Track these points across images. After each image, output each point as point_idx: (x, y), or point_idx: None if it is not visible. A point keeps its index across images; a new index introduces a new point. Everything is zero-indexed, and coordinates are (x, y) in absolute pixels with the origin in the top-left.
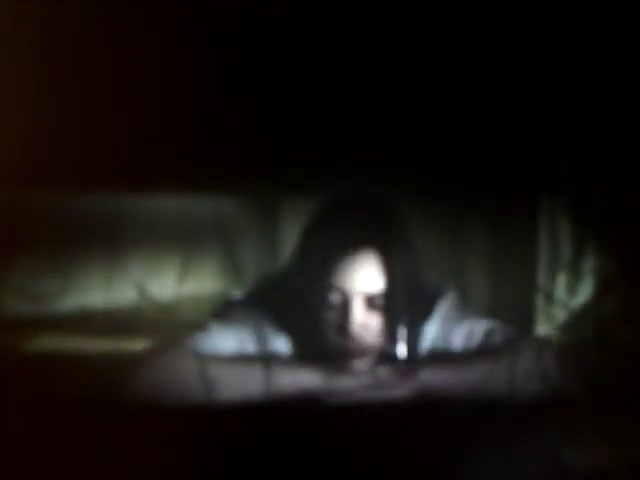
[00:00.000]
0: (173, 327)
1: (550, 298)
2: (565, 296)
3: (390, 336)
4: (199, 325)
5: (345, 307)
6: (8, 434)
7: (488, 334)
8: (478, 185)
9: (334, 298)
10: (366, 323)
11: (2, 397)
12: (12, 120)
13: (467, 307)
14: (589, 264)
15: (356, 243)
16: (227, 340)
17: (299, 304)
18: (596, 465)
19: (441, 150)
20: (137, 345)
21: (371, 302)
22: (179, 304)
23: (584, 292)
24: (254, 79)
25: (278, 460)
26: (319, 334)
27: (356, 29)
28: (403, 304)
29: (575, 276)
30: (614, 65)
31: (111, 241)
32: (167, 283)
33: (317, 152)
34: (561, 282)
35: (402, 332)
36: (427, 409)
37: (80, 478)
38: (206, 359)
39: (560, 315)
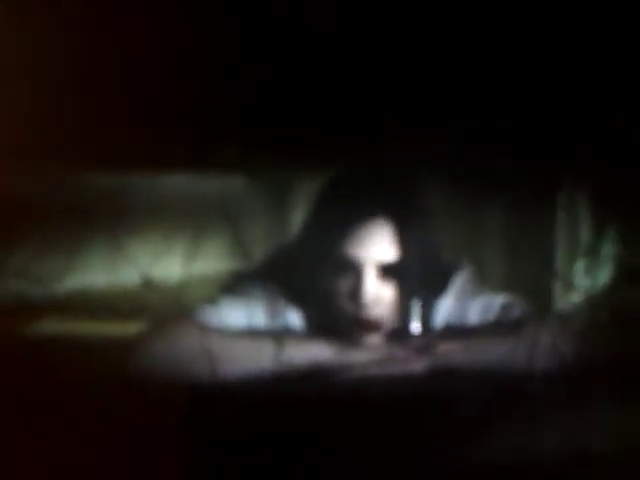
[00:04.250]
0: (180, 309)
1: (569, 283)
2: (584, 281)
3: (404, 309)
4: (208, 299)
5: (357, 277)
6: (12, 417)
7: (505, 309)
8: (497, 165)
9: (346, 268)
10: (379, 294)
11: (5, 379)
12: (13, 99)
13: (483, 282)
14: (608, 251)
15: (368, 211)
16: (237, 314)
17: (311, 275)
18: (610, 444)
19: (461, 128)
20: (141, 327)
21: (384, 272)
22: (187, 285)
23: (603, 277)
24: (262, 57)
25: (289, 435)
26: (331, 306)
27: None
28: (417, 276)
29: (594, 263)
30: (635, 49)
31: (116, 221)
32: (174, 264)
33: (327, 128)
34: (580, 267)
35: (416, 305)
36: (442, 384)
37: (85, 458)
38: (215, 333)
39: (579, 299)
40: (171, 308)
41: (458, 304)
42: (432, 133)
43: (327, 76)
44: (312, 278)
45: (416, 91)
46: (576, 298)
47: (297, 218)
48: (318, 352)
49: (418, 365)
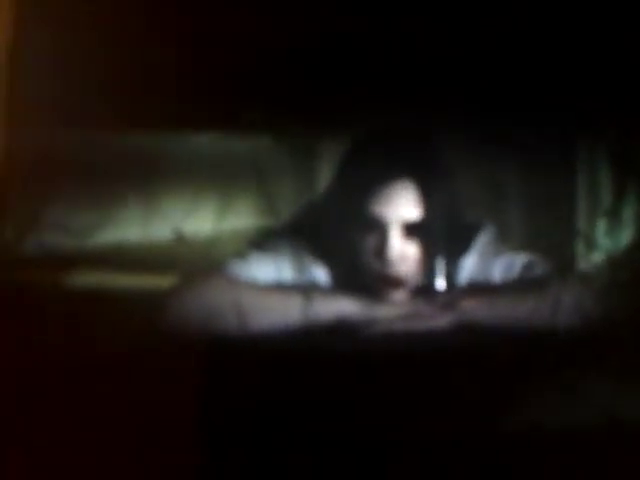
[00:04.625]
0: (210, 264)
1: (590, 242)
2: (605, 241)
3: (428, 267)
4: (237, 254)
5: (383, 235)
6: (48, 367)
7: (527, 267)
8: (520, 125)
9: (372, 226)
10: (404, 252)
11: (39, 330)
12: (50, 59)
13: (506, 242)
14: (630, 210)
15: (394, 171)
16: (265, 269)
17: (337, 233)
18: (632, 402)
19: (483, 89)
20: (173, 280)
21: (409, 230)
22: (216, 241)
23: (624, 237)
24: (289, 22)
25: (315, 389)
26: (357, 263)
27: None
28: (441, 234)
29: (616, 222)
30: None
31: (149, 177)
32: (205, 220)
33: (354, 89)
34: (601, 226)
35: (440, 263)
36: (465, 340)
37: (113, 408)
38: (244, 287)
39: (600, 259)
40: (202, 262)
41: (481, 263)
42: (455, 94)
43: (351, 39)
44: (339, 235)
45: (439, 53)
46: (598, 257)
47: (324, 177)
48: (344, 307)
49: (442, 321)
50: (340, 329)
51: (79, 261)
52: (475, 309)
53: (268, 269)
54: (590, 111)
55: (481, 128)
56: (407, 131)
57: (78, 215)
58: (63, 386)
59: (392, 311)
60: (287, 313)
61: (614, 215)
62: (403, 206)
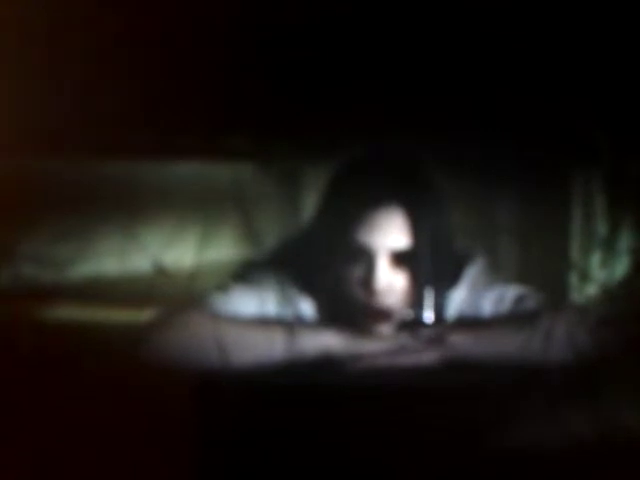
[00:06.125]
0: (191, 297)
1: (584, 274)
2: (600, 273)
3: (416, 298)
4: (219, 287)
5: (369, 264)
6: (25, 402)
7: (518, 300)
8: (513, 154)
9: (358, 255)
10: (391, 283)
11: (17, 364)
12: (27, 86)
13: (497, 273)
14: (625, 242)
15: (381, 197)
16: (248, 302)
17: (322, 263)
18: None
19: (477, 116)
20: (153, 314)
21: (396, 260)
22: (197, 273)
23: (619, 270)
24: (272, 44)
25: (299, 424)
26: (343, 294)
27: None
28: (430, 265)
29: (610, 254)
30: None
31: (127, 207)
32: (185, 251)
33: (339, 115)
34: (595, 259)
35: (429, 295)
36: (454, 376)
37: (95, 444)
38: (226, 322)
39: (594, 291)
40: (182, 296)
41: (471, 295)
42: (447, 121)
43: (338, 62)
44: (324, 266)
45: (430, 78)
46: (592, 290)
47: (309, 206)
48: (329, 341)
49: (430, 356)
50: (325, 364)
51: (56, 294)
52: (464, 344)
53: (251, 302)
54: (585, 141)
55: (472, 156)
56: (395, 157)
57: (55, 247)
58: (39, 421)
59: (378, 345)
60: (271, 348)
61: (608, 247)
62: (391, 234)
